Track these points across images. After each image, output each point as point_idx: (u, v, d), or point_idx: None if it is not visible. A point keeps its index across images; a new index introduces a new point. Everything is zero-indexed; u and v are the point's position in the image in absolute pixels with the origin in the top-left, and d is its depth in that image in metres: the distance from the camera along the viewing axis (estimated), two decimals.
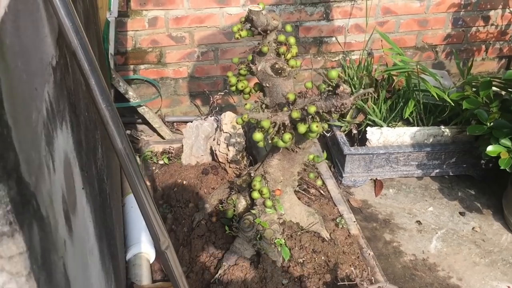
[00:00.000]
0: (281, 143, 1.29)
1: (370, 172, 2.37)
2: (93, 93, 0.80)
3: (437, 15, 2.65)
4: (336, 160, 2.43)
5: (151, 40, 2.47)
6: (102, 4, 1.88)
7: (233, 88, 1.54)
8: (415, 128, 2.30)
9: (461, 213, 2.24)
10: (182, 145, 2.09)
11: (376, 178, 2.40)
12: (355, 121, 2.38)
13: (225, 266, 1.49)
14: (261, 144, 1.32)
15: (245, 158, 1.88)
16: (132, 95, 2.35)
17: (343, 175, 2.35)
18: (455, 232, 2.14)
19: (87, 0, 1.47)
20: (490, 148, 1.86)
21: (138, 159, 2.06)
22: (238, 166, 1.87)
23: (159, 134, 2.53)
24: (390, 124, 2.32)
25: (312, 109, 1.20)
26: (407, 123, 2.35)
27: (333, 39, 2.63)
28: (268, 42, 1.46)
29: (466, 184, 2.40)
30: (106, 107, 0.81)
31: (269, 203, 1.49)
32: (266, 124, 1.26)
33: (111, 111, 0.82)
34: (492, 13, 2.70)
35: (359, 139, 2.42)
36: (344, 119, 2.42)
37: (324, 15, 2.55)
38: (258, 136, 1.29)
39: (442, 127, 2.30)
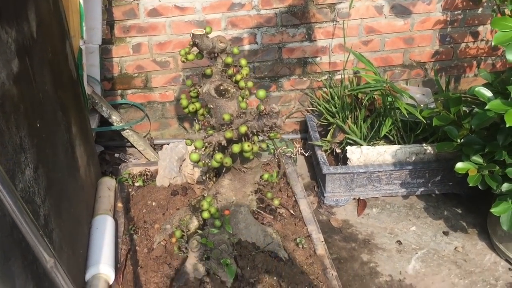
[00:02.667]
0: (214, 163, 1.30)
1: (352, 191, 2.34)
2: None
3: (423, 32, 2.62)
4: (319, 179, 2.41)
5: (136, 65, 2.54)
6: (75, 33, 1.96)
7: (186, 110, 1.57)
8: (396, 146, 2.27)
9: (445, 233, 2.18)
10: None
11: (359, 198, 2.37)
12: (335, 140, 2.36)
13: (175, 286, 1.50)
14: (200, 164, 1.33)
15: (215, 178, 1.89)
16: (116, 119, 2.41)
17: (325, 194, 2.33)
18: (436, 252, 2.08)
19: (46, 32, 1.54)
20: (459, 165, 1.81)
21: (114, 181, 2.10)
22: (205, 187, 1.89)
23: (146, 157, 2.58)
24: (371, 143, 2.30)
25: (242, 129, 1.21)
26: (389, 141, 2.32)
27: (318, 59, 2.64)
28: (216, 65, 1.49)
29: (453, 202, 2.34)
30: None
31: (217, 223, 1.49)
32: (198, 144, 1.27)
33: None
34: (481, 28, 2.65)
35: (343, 158, 2.40)
36: (324, 139, 2.41)
37: (307, 36, 2.57)
38: (194, 156, 1.31)
39: (424, 144, 2.26)
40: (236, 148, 1.25)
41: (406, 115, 2.03)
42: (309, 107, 2.75)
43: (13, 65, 1.17)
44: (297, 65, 2.65)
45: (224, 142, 1.30)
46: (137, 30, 2.45)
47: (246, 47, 2.56)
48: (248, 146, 1.23)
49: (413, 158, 2.28)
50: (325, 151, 2.39)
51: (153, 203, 1.93)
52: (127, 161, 2.63)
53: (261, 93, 1.24)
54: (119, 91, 2.61)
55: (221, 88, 1.44)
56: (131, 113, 2.68)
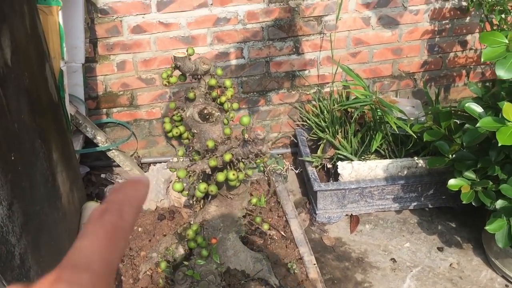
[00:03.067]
0: (198, 193, 1.25)
1: (345, 208, 2.29)
2: None
3: (411, 43, 2.59)
4: (311, 196, 2.36)
5: (121, 83, 2.49)
6: (55, 54, 1.91)
7: (170, 134, 1.52)
8: (387, 161, 2.23)
9: (439, 248, 2.14)
10: None
11: (352, 214, 2.32)
12: (326, 155, 2.32)
13: None
14: (184, 194, 1.28)
15: (202, 201, 1.84)
16: (101, 140, 2.36)
17: (317, 211, 2.28)
18: (431, 269, 2.03)
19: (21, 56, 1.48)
20: (451, 182, 1.77)
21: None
22: (192, 211, 1.83)
23: None
24: (362, 157, 2.26)
25: (227, 157, 1.16)
26: (380, 156, 2.28)
27: (306, 72, 2.60)
28: (199, 87, 1.44)
29: (446, 216, 2.30)
30: None
31: (204, 252, 1.44)
32: (181, 174, 1.22)
33: None
34: (469, 37, 2.63)
35: (334, 174, 2.36)
36: (314, 154, 2.36)
37: (294, 49, 2.53)
38: (177, 186, 1.26)
39: (416, 158, 2.22)
40: (221, 176, 1.20)
41: (396, 130, 1.99)
42: (298, 120, 2.70)
43: None
44: (285, 78, 2.60)
45: (208, 170, 1.25)
46: (121, 48, 2.39)
47: (233, 61, 2.52)
48: (233, 174, 1.19)
49: (405, 172, 2.24)
50: (316, 166, 2.34)
51: (139, 229, 1.87)
52: (114, 182, 2.57)
53: (245, 119, 1.19)
54: (104, 110, 2.55)
55: (205, 112, 1.39)
56: (117, 131, 2.62)
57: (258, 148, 1.15)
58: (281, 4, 2.41)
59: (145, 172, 2.66)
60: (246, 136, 1.14)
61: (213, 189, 1.27)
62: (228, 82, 1.51)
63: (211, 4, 2.35)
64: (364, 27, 2.52)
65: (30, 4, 1.67)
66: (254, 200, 1.53)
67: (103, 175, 2.59)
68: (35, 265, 1.27)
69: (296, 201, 2.47)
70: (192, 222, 1.50)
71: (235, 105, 1.51)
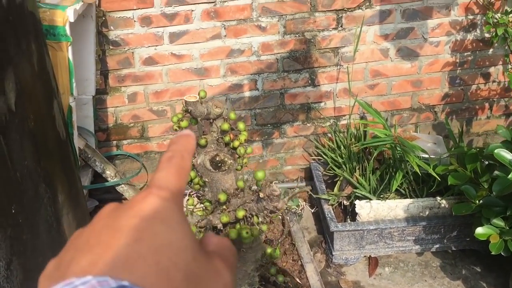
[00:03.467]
0: None
1: (363, 249, 2.18)
2: None
3: (431, 75, 2.50)
4: (327, 235, 2.26)
5: (132, 115, 2.42)
6: (64, 90, 1.85)
7: None
8: (408, 200, 2.12)
9: None
10: None
11: (370, 255, 2.21)
12: (343, 193, 2.22)
13: None
14: None
15: None
16: (110, 174, 2.29)
17: (333, 252, 2.18)
18: None
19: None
20: (479, 231, 1.66)
21: None
22: None
23: None
24: (381, 196, 2.15)
25: (240, 214, 1.08)
26: (400, 194, 2.18)
27: (322, 104, 2.52)
28: (211, 133, 1.36)
29: (471, 259, 2.18)
30: None
31: None
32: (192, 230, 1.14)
33: None
34: (492, 69, 2.53)
35: (351, 212, 2.25)
36: (331, 192, 2.27)
37: (310, 81, 2.45)
38: None
39: (438, 198, 2.11)
40: (233, 234, 1.11)
41: (419, 171, 1.89)
42: (314, 153, 2.61)
43: None
44: (300, 110, 2.52)
45: (220, 226, 1.17)
46: (133, 79, 2.34)
47: (247, 93, 2.45)
48: (247, 232, 1.10)
49: (427, 213, 2.13)
50: (332, 204, 2.24)
51: None
52: None
53: (260, 174, 1.11)
54: (115, 142, 2.49)
55: (217, 159, 1.31)
56: (127, 164, 2.55)
57: (273, 204, 1.07)
58: (297, 35, 2.34)
59: None
60: (262, 194, 1.06)
61: None
62: (241, 125, 1.43)
63: (225, 36, 2.30)
64: (383, 59, 2.44)
65: (39, 40, 1.62)
66: (269, 251, 1.44)
67: None
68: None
69: (312, 240, 2.37)
70: None
71: (249, 150, 1.43)
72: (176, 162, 0.34)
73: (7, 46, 1.30)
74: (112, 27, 2.22)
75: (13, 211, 1.16)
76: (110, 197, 2.53)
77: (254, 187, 1.25)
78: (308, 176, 2.67)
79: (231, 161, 1.30)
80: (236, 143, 1.40)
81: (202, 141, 1.31)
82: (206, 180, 1.30)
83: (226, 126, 1.36)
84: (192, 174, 1.44)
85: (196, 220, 1.18)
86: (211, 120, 1.38)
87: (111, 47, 2.25)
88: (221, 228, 1.18)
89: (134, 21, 2.21)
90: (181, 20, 2.24)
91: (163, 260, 0.28)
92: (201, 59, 2.33)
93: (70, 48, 1.80)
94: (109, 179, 2.29)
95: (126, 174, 2.54)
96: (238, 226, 1.16)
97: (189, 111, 1.31)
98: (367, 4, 2.31)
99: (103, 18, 2.18)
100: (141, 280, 0.27)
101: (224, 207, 1.20)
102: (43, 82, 1.62)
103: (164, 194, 0.31)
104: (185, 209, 1.29)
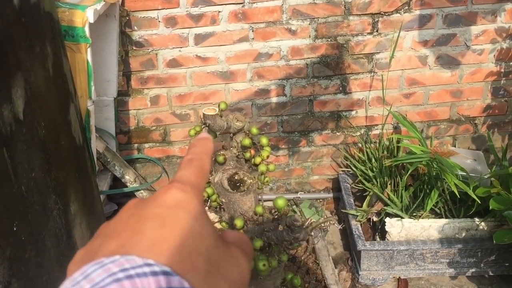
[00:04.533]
0: None
1: (392, 270, 2.04)
2: None
3: (473, 85, 2.33)
4: (353, 253, 2.13)
5: (154, 118, 2.34)
6: (82, 93, 1.77)
7: None
8: (443, 221, 1.97)
9: None
10: None
11: (399, 277, 2.07)
12: (372, 210, 2.08)
13: None
14: None
15: None
16: (129, 179, 2.21)
17: (360, 272, 2.04)
18: None
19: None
20: None
21: None
22: None
23: None
24: (413, 215, 2.01)
25: (257, 244, 0.97)
26: (434, 214, 2.02)
27: (353, 112, 2.38)
28: (230, 149, 1.26)
29: (509, 286, 2.01)
30: None
31: None
32: None
33: None
34: None
35: (381, 230, 2.11)
36: (359, 208, 2.13)
37: (341, 88, 2.32)
38: None
39: (477, 220, 1.95)
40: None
41: (457, 192, 1.74)
42: (342, 164, 2.48)
43: None
44: (329, 118, 2.39)
45: None
46: (156, 81, 2.25)
47: (274, 99, 2.33)
48: (264, 265, 0.99)
49: (463, 235, 1.98)
50: (360, 221, 2.11)
51: None
52: None
53: (280, 202, 1.00)
54: (136, 145, 2.41)
55: (236, 178, 1.20)
56: (148, 167, 2.47)
57: (294, 235, 0.95)
58: (329, 40, 2.21)
59: None
60: (280, 227, 0.95)
61: None
62: (264, 140, 1.32)
63: (253, 39, 2.18)
64: (420, 66, 2.29)
65: (56, 42, 1.54)
66: (288, 277, 1.33)
67: None
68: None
69: (337, 256, 2.24)
70: None
71: (272, 167, 1.31)
72: (196, 164, 0.36)
73: (16, 50, 1.22)
74: (135, 27, 2.13)
75: (15, 229, 1.08)
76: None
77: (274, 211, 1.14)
78: (336, 187, 2.54)
79: (251, 180, 1.18)
80: (258, 160, 1.29)
81: (220, 158, 1.20)
82: (224, 200, 1.20)
83: (247, 142, 1.25)
84: (209, 190, 1.33)
85: None
86: (231, 135, 1.27)
87: (134, 48, 2.17)
88: None
89: (159, 21, 2.12)
90: (207, 21, 2.14)
91: (186, 244, 0.30)
92: (227, 62, 2.23)
93: (89, 50, 1.72)
94: (128, 184, 2.22)
95: (147, 178, 2.47)
96: (255, 255, 1.05)
97: (208, 124, 1.20)
98: (406, 8, 2.16)
99: (127, 18, 2.10)
100: (166, 260, 0.29)
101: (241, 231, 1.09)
102: (58, 86, 1.54)
103: (186, 188, 0.33)
104: None
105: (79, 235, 1.60)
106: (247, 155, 1.27)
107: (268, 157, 1.31)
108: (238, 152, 1.26)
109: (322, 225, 0.99)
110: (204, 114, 1.21)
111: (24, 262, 1.12)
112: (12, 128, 1.13)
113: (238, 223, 1.07)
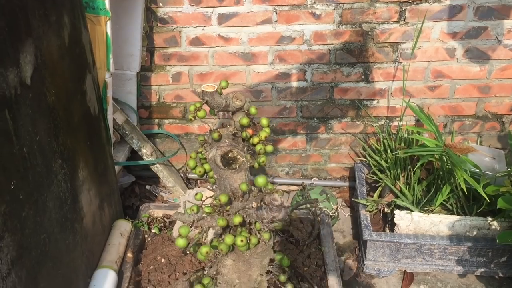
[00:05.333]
0: (200, 256, 1.08)
1: (398, 262, 2.02)
2: None
3: (502, 81, 2.25)
4: (361, 242, 2.11)
5: (175, 95, 2.38)
6: (101, 65, 1.82)
7: (194, 172, 1.36)
8: (454, 217, 1.93)
9: None
10: None
11: (405, 270, 2.04)
12: (382, 201, 2.05)
13: None
14: (190, 250, 1.12)
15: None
16: (146, 153, 2.27)
17: (365, 261, 2.03)
18: None
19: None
20: None
21: (129, 226, 1.94)
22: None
23: (175, 194, 2.41)
24: (424, 209, 1.97)
25: (236, 220, 0.98)
26: (446, 210, 1.98)
27: (374, 102, 2.34)
28: (227, 127, 1.27)
29: None
30: None
31: None
32: (184, 231, 1.06)
33: None
34: None
35: (391, 221, 2.09)
36: (370, 198, 2.11)
37: (363, 76, 2.28)
38: (180, 242, 1.09)
39: (489, 219, 1.90)
40: (228, 239, 1.02)
41: (464, 188, 1.69)
42: (360, 153, 2.45)
43: None
44: (350, 107, 2.36)
45: (217, 229, 1.08)
46: (178, 59, 2.29)
47: (294, 83, 2.32)
48: (242, 241, 1.00)
49: (474, 233, 1.93)
50: (370, 211, 2.09)
51: (162, 260, 1.74)
52: (157, 195, 2.48)
53: (261, 180, 1.00)
54: (156, 120, 2.46)
55: (229, 155, 1.22)
56: (167, 143, 2.52)
57: (273, 214, 0.96)
58: (353, 26, 2.17)
59: (191, 187, 2.55)
60: (254, 204, 0.96)
61: (223, 247, 1.09)
62: (264, 121, 1.33)
63: (276, 21, 2.18)
64: (448, 59, 2.22)
65: (75, 13, 1.59)
66: (278, 257, 1.34)
67: (148, 187, 2.51)
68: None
69: (345, 244, 2.23)
70: (206, 273, 1.34)
71: (269, 148, 1.32)
72: None
73: (29, 17, 1.27)
74: (161, 4, 2.16)
75: (12, 187, 1.14)
76: (148, 174, 2.52)
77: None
78: (352, 176, 2.51)
79: (244, 159, 1.20)
80: (256, 140, 1.30)
81: (215, 135, 1.22)
82: (216, 176, 1.22)
83: (245, 121, 1.27)
84: (207, 166, 1.36)
85: (192, 220, 1.10)
86: (230, 113, 1.29)
87: (158, 24, 2.21)
88: (219, 231, 1.09)
89: None
90: (231, 2, 2.15)
91: None
92: (249, 44, 2.23)
93: (108, 23, 1.77)
94: (144, 157, 2.28)
95: (165, 153, 2.52)
96: (238, 231, 1.07)
97: (206, 101, 1.22)
98: None
99: None
100: None
101: (227, 208, 1.11)
102: (74, 55, 1.59)
103: None
104: (191, 204, 1.22)
105: (86, 201, 1.67)
106: (244, 134, 1.29)
107: (266, 138, 1.32)
108: (235, 130, 1.28)
109: (303, 207, 0.99)
110: (202, 91, 1.23)
111: (20, 219, 1.18)
112: (17, 92, 1.18)
113: (222, 198, 1.09)
